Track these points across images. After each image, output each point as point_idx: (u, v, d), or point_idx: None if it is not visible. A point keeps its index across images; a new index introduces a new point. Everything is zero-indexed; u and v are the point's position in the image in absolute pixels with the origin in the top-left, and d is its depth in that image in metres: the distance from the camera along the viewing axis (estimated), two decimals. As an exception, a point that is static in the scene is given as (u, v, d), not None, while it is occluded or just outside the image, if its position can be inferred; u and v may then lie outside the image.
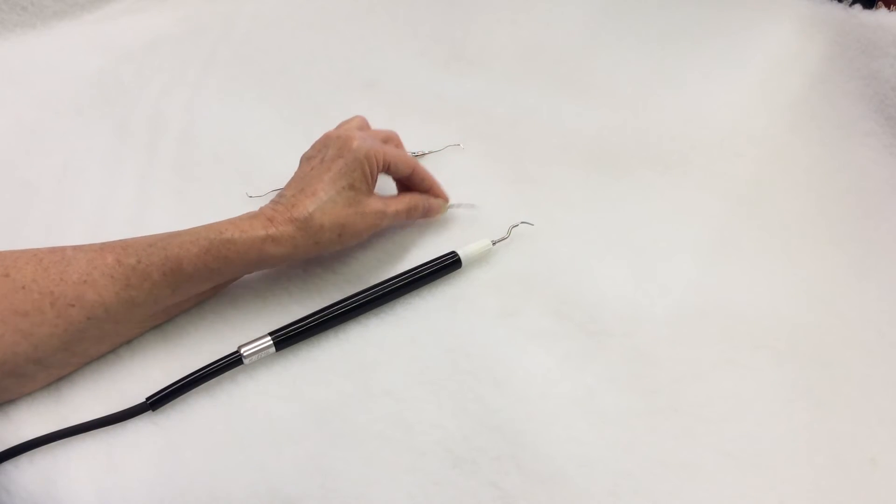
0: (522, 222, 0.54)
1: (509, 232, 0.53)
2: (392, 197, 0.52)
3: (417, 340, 0.47)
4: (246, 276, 0.50)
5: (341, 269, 0.51)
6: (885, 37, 0.68)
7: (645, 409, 0.44)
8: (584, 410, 0.44)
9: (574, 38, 0.76)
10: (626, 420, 0.44)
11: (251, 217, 0.45)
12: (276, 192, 0.54)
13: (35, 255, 0.41)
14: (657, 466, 0.42)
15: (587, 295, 0.50)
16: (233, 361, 0.44)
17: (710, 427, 0.43)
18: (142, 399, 0.42)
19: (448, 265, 0.50)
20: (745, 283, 0.52)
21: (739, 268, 0.53)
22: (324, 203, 0.46)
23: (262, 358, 0.45)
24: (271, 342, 0.45)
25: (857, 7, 0.72)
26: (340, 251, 0.50)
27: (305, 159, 0.50)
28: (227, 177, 0.59)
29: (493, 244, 0.52)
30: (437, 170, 0.59)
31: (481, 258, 0.52)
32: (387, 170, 0.51)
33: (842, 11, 0.72)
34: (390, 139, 0.54)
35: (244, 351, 0.44)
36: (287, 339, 0.45)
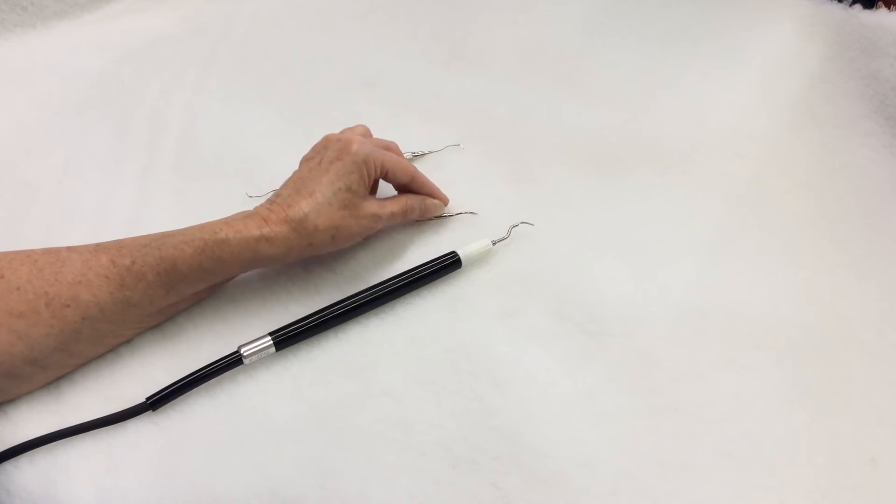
0: (522, 222, 0.54)
1: (509, 232, 0.53)
2: (388, 199, 0.52)
3: (417, 340, 0.47)
4: (245, 275, 0.50)
5: (341, 269, 0.51)
6: (885, 37, 0.68)
7: (645, 409, 0.44)
8: (584, 410, 0.44)
9: (574, 38, 0.76)
10: (626, 420, 0.44)
11: (246, 217, 0.45)
12: (275, 191, 0.54)
13: (29, 256, 0.41)
14: (657, 466, 0.42)
15: (587, 295, 0.50)
16: (233, 361, 0.44)
17: (710, 427, 0.43)
18: (142, 399, 0.42)
19: (448, 265, 0.50)
20: (745, 283, 0.52)
21: (739, 268, 0.53)
22: (319, 204, 0.46)
23: (262, 358, 0.45)
24: (271, 342, 0.45)
25: (857, 7, 0.72)
26: (336, 251, 0.50)
27: (304, 160, 0.50)
28: (227, 177, 0.59)
29: (493, 244, 0.52)
30: (437, 170, 0.59)
31: (481, 258, 0.52)
32: (385, 176, 0.51)
33: (842, 11, 0.72)
34: (389, 148, 0.54)
35: (244, 351, 0.44)
36: (287, 339, 0.45)
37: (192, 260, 0.43)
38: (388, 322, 0.48)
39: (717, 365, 0.47)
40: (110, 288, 0.41)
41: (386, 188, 0.54)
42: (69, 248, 0.42)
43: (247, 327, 0.46)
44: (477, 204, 0.56)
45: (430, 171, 0.59)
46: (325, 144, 0.50)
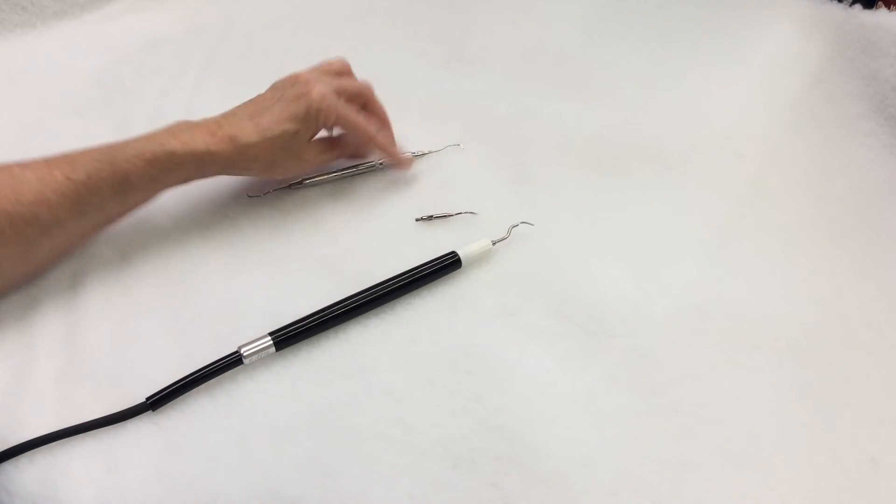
0: (522, 222, 0.54)
1: (509, 232, 0.53)
2: (331, 143, 0.55)
3: (417, 340, 0.47)
4: (244, 275, 0.50)
5: (341, 269, 0.51)
6: (885, 37, 0.68)
7: (645, 409, 0.44)
8: (584, 410, 0.44)
9: (574, 38, 0.76)
10: (626, 420, 0.44)
11: (192, 127, 0.48)
12: (275, 191, 0.54)
13: None
14: (657, 466, 0.42)
15: (587, 295, 0.50)
16: (233, 361, 0.44)
17: (710, 427, 0.43)
18: (142, 399, 0.42)
19: (448, 265, 0.50)
20: (745, 283, 0.52)
21: (740, 268, 0.53)
22: (264, 138, 0.49)
23: (262, 358, 0.45)
24: (271, 342, 0.45)
25: (857, 7, 0.72)
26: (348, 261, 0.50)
27: (271, 88, 0.53)
28: (225, 176, 0.59)
29: (493, 244, 0.52)
30: (437, 170, 0.59)
31: (481, 258, 0.52)
32: (336, 125, 0.53)
33: (842, 11, 0.72)
34: (361, 94, 0.55)
35: (244, 351, 0.44)
36: (287, 339, 0.45)
37: (142, 171, 0.46)
38: (388, 322, 0.48)
39: (717, 365, 0.47)
40: (69, 204, 0.44)
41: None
42: (20, 165, 0.44)
43: (247, 327, 0.46)
44: (477, 204, 0.56)
45: (430, 171, 0.59)
46: (294, 81, 0.52)
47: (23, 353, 0.45)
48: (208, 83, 0.69)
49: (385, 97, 0.60)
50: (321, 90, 0.50)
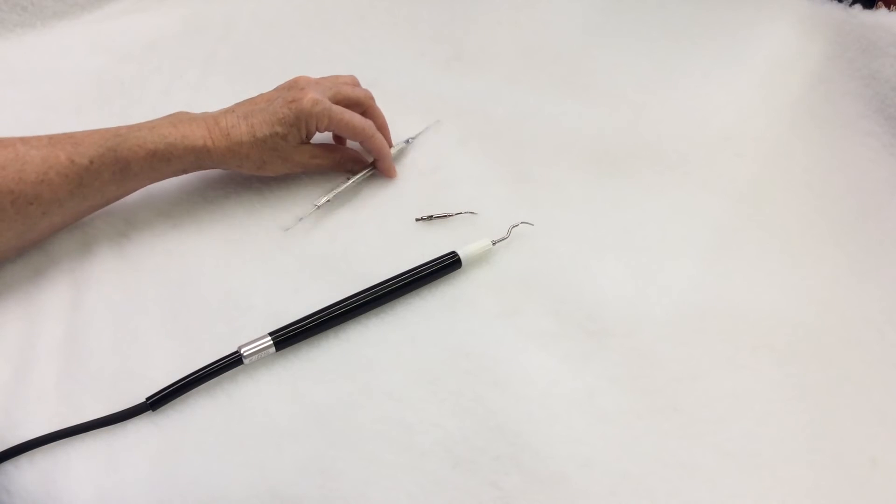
0: (522, 222, 0.54)
1: (509, 232, 0.53)
2: (324, 149, 0.55)
3: (417, 340, 0.47)
4: (244, 274, 0.50)
5: (341, 269, 0.51)
6: (885, 37, 0.67)
7: (645, 409, 0.44)
8: (584, 410, 0.44)
9: (574, 38, 0.76)
10: (626, 420, 0.44)
11: (192, 121, 0.50)
12: (301, 220, 0.54)
13: None
14: (657, 466, 0.42)
15: (587, 295, 0.50)
16: (233, 361, 0.44)
17: (710, 427, 0.44)
18: (142, 399, 0.42)
19: (448, 265, 0.50)
20: (745, 283, 0.52)
21: (739, 268, 0.53)
22: (255, 139, 0.50)
23: (262, 358, 0.45)
24: (271, 342, 0.45)
25: (857, 7, 0.72)
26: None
27: (277, 87, 0.54)
28: (225, 176, 0.59)
29: (493, 244, 0.52)
30: (438, 170, 0.59)
31: (481, 258, 0.52)
32: (331, 130, 0.54)
33: (842, 11, 0.72)
34: (359, 104, 0.56)
35: (244, 351, 0.44)
36: (287, 339, 0.45)
37: (143, 161, 0.48)
38: (388, 322, 0.48)
39: (717, 365, 0.47)
40: (70, 186, 0.45)
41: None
42: (23, 141, 0.45)
43: (247, 327, 0.46)
44: (477, 204, 0.56)
45: (430, 171, 0.59)
46: (291, 85, 0.53)
47: (23, 353, 0.45)
48: (208, 83, 0.69)
49: (385, 97, 0.60)
50: (314, 96, 0.51)
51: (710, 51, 0.73)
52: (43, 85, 0.67)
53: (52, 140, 0.46)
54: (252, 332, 0.45)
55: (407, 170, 0.59)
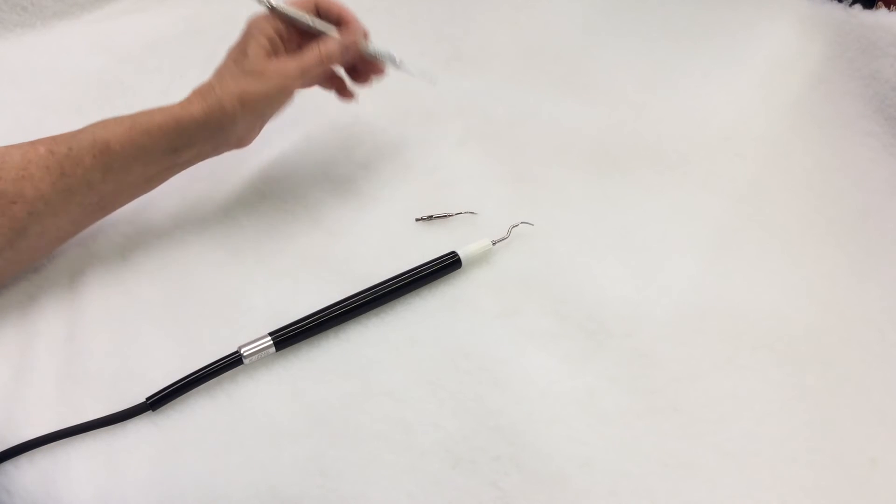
0: (522, 222, 0.54)
1: (509, 232, 0.53)
2: (295, 54, 0.51)
3: (417, 340, 0.47)
4: (244, 274, 0.50)
5: (341, 269, 0.51)
6: (885, 37, 0.67)
7: (645, 409, 0.44)
8: (584, 410, 0.44)
9: (574, 37, 0.76)
10: (626, 420, 0.44)
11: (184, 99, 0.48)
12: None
13: None
14: (657, 466, 0.42)
15: (587, 295, 0.50)
16: (233, 361, 0.44)
17: (710, 427, 0.44)
18: (142, 399, 0.42)
19: (448, 265, 0.50)
20: (745, 283, 0.52)
21: (739, 268, 0.53)
22: (222, 76, 0.48)
23: (262, 358, 0.45)
24: (271, 342, 0.45)
25: (857, 7, 0.72)
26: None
27: None
28: (225, 175, 0.59)
29: (493, 244, 0.52)
30: (438, 170, 0.59)
31: (481, 258, 0.52)
32: (287, 22, 0.50)
33: (842, 11, 0.72)
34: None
35: (244, 351, 0.44)
36: (287, 339, 0.45)
37: (124, 137, 0.45)
38: (388, 322, 0.48)
39: (717, 365, 0.47)
40: (52, 178, 0.43)
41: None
42: (6, 147, 0.44)
43: (247, 327, 0.46)
44: (477, 204, 0.56)
45: (430, 171, 0.59)
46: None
47: (23, 353, 0.45)
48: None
49: (385, 97, 0.60)
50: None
51: (710, 51, 0.73)
52: (43, 85, 0.67)
53: (35, 140, 0.45)
54: (252, 332, 0.45)
55: (407, 170, 0.59)
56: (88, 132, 0.45)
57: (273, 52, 0.49)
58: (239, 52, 0.49)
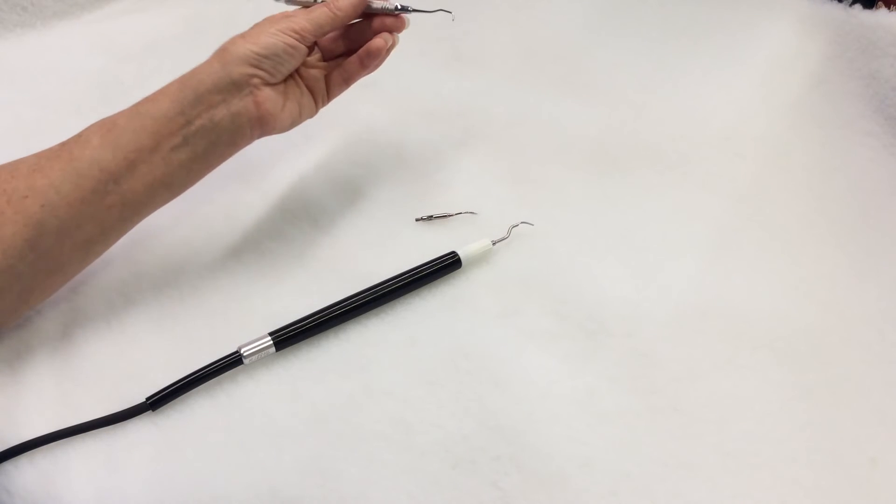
0: (522, 222, 0.54)
1: (509, 232, 0.53)
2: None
3: (417, 340, 0.47)
4: (245, 274, 0.50)
5: (341, 269, 0.51)
6: (885, 37, 0.67)
7: (645, 409, 0.44)
8: (584, 410, 0.44)
9: (574, 37, 0.76)
10: (626, 420, 0.44)
11: None
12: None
13: None
14: (657, 466, 0.42)
15: (587, 295, 0.50)
16: (233, 361, 0.44)
17: (710, 427, 0.44)
18: (142, 399, 0.42)
19: (448, 265, 0.50)
20: (745, 283, 0.52)
21: (739, 268, 0.53)
22: (247, 32, 0.47)
23: (262, 358, 0.45)
24: (271, 342, 0.45)
25: (857, 7, 0.72)
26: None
27: None
28: (225, 175, 0.59)
29: (493, 244, 0.52)
30: (438, 170, 0.59)
31: (481, 258, 0.52)
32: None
33: (842, 11, 0.72)
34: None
35: (244, 351, 0.44)
36: (287, 339, 0.45)
37: (129, 111, 0.45)
38: (388, 322, 0.48)
39: (717, 365, 0.47)
40: (60, 164, 0.42)
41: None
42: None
43: (247, 327, 0.46)
44: (477, 204, 0.56)
45: (431, 172, 0.59)
46: None
47: (23, 353, 0.45)
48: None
49: (385, 97, 0.60)
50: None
51: (710, 51, 0.73)
52: (43, 85, 0.67)
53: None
54: (252, 332, 0.45)
55: (407, 170, 0.59)
56: (101, 117, 0.45)
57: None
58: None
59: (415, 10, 0.51)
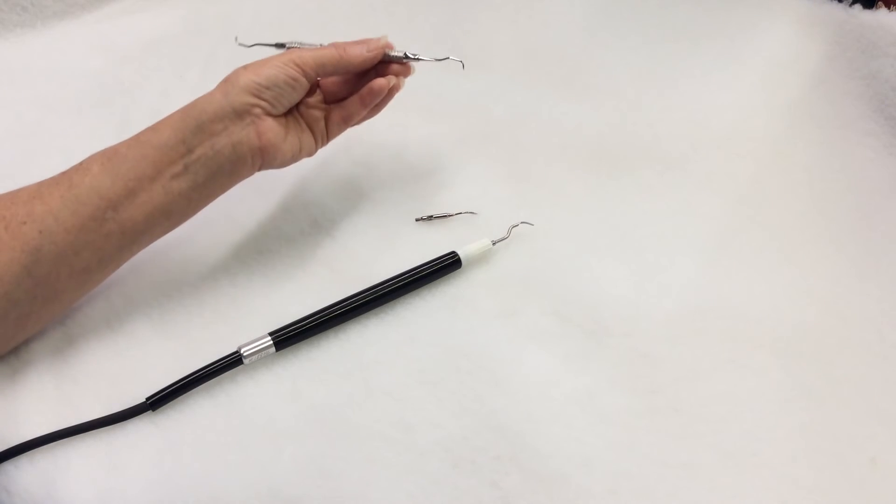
0: (522, 222, 0.54)
1: (509, 232, 0.53)
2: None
3: (417, 340, 0.47)
4: (245, 274, 0.50)
5: (341, 269, 0.51)
6: (885, 37, 0.68)
7: (645, 409, 0.44)
8: (584, 410, 0.44)
9: (574, 38, 0.76)
10: (626, 420, 0.44)
11: None
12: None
13: None
14: (657, 466, 0.42)
15: (587, 295, 0.50)
16: (233, 361, 0.44)
17: (710, 427, 0.43)
18: (142, 399, 0.42)
19: (448, 265, 0.50)
20: (745, 283, 0.52)
21: (739, 268, 0.53)
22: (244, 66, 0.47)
23: (262, 358, 0.45)
24: (271, 342, 0.45)
25: (857, 7, 0.72)
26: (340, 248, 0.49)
27: None
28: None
29: (493, 244, 0.52)
30: (438, 170, 0.59)
31: (481, 258, 0.52)
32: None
33: (842, 11, 0.72)
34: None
35: (244, 351, 0.44)
36: (287, 339, 0.45)
37: (130, 140, 0.44)
38: (388, 322, 0.48)
39: (717, 365, 0.47)
40: (60, 191, 0.42)
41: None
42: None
43: (247, 327, 0.46)
44: (477, 204, 0.56)
45: (430, 172, 0.59)
46: None
47: (22, 353, 0.45)
48: (208, 83, 0.69)
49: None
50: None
51: (710, 51, 0.73)
52: (43, 85, 0.67)
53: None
54: (252, 332, 0.45)
55: (407, 170, 0.59)
56: (102, 149, 0.45)
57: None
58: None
59: (425, 59, 0.52)
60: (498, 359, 0.46)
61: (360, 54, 0.49)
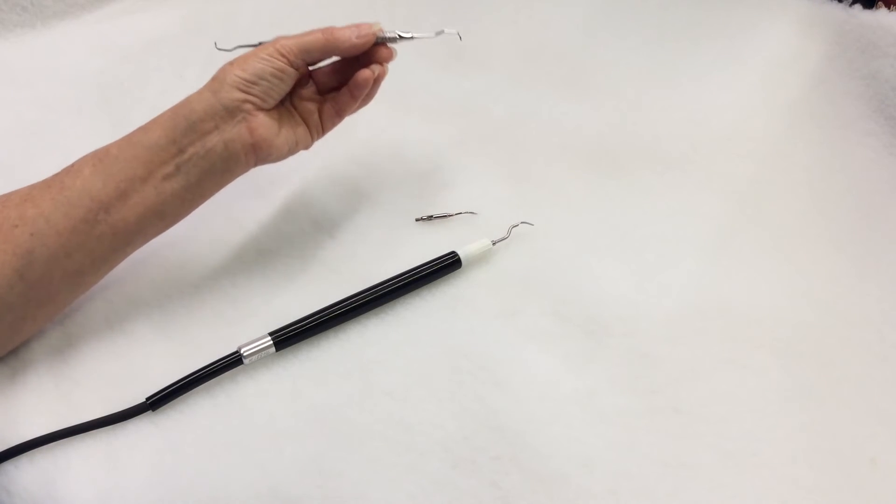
0: (522, 222, 0.54)
1: (509, 232, 0.53)
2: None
3: (417, 340, 0.47)
4: (245, 275, 0.50)
5: (341, 269, 0.51)
6: (885, 37, 0.67)
7: (645, 409, 0.44)
8: (584, 410, 0.44)
9: (574, 38, 0.76)
10: (626, 420, 0.44)
11: None
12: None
13: None
14: (657, 466, 0.42)
15: (587, 295, 0.50)
16: (233, 361, 0.44)
17: (710, 427, 0.43)
18: (142, 399, 0.42)
19: (448, 265, 0.50)
20: (745, 282, 0.52)
21: (740, 268, 0.53)
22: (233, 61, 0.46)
23: (262, 358, 0.45)
24: (271, 342, 0.45)
25: (857, 7, 0.72)
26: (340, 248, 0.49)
27: None
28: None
29: (493, 244, 0.52)
30: (438, 170, 0.59)
31: (481, 258, 0.52)
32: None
33: (842, 11, 0.72)
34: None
35: (244, 351, 0.44)
36: (287, 339, 0.45)
37: (122, 140, 0.44)
38: (388, 322, 0.48)
39: (717, 365, 0.47)
40: (51, 193, 0.42)
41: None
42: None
43: (247, 327, 0.46)
44: (477, 204, 0.56)
45: (431, 172, 0.59)
46: None
47: (22, 353, 0.45)
48: (208, 83, 0.69)
49: (385, 97, 0.59)
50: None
51: (710, 51, 0.73)
52: (43, 85, 0.67)
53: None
54: (252, 332, 0.45)
55: (407, 170, 0.59)
56: (94, 150, 0.44)
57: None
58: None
59: (421, 37, 0.51)
60: (498, 359, 0.46)
61: (349, 39, 0.49)
